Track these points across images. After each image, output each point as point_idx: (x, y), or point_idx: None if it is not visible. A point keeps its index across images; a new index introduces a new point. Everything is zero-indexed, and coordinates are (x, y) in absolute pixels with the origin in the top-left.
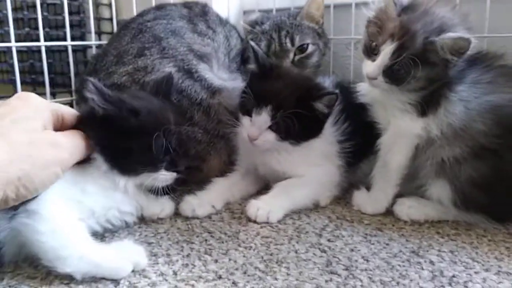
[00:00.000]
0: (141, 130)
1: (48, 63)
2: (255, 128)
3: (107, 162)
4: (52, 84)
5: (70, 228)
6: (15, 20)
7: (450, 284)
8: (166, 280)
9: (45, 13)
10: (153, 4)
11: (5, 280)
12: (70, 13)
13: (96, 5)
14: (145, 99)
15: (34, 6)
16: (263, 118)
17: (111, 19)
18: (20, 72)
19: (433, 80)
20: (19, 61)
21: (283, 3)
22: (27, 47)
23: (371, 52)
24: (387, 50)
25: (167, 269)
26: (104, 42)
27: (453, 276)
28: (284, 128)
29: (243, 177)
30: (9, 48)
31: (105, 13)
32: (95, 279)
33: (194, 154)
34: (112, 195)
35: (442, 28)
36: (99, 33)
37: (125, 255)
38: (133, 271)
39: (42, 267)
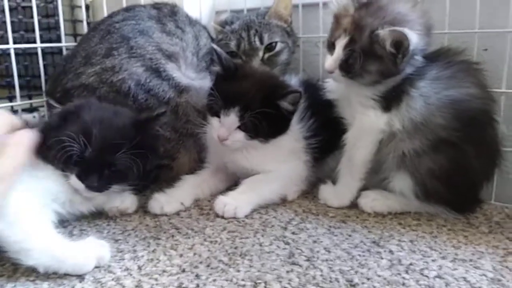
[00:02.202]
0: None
1: (24, 65)
2: (224, 129)
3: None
4: (28, 87)
5: (32, 220)
6: None
7: (406, 272)
8: (131, 275)
9: (20, 16)
10: (124, 5)
11: None
12: (46, 16)
13: (72, 7)
14: (93, 106)
15: (15, 8)
16: (231, 119)
17: (87, 22)
18: None
19: (385, 74)
20: None
21: (254, 3)
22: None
23: (330, 47)
24: (340, 44)
25: (132, 264)
26: (58, 44)
27: (410, 264)
28: (252, 128)
29: (212, 174)
30: None
31: (80, 16)
32: (60, 275)
33: (163, 152)
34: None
35: (392, 23)
36: (74, 35)
37: (88, 250)
38: (97, 266)
39: (9, 265)
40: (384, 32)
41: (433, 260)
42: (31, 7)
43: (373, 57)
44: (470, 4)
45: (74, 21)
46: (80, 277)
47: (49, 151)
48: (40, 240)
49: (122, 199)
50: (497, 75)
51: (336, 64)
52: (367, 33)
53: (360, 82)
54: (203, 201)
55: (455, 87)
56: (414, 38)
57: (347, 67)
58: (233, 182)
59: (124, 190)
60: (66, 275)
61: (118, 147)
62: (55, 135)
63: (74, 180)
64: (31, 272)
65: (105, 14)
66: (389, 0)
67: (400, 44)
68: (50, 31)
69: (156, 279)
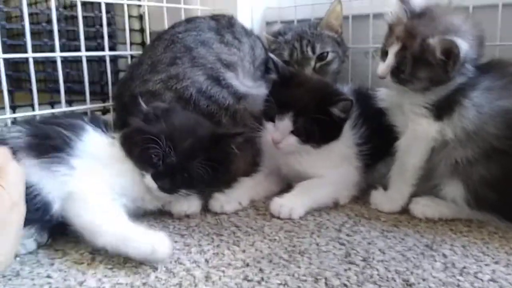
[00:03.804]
0: (150, 134)
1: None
2: (279, 133)
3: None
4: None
5: (104, 204)
6: (49, 31)
7: (461, 274)
8: (199, 267)
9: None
10: (183, 17)
11: (56, 265)
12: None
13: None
14: (178, 112)
15: (71, 18)
16: (285, 123)
17: (140, 30)
18: (39, 81)
19: (434, 81)
20: (40, 71)
21: (304, 15)
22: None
23: (383, 54)
24: (392, 51)
25: (200, 258)
26: (124, 52)
27: (464, 268)
28: (305, 132)
29: (266, 178)
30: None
31: (135, 25)
32: (136, 264)
33: (234, 170)
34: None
35: (443, 32)
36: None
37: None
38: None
39: (87, 254)
40: (434, 40)
41: (486, 265)
42: (87, 17)
43: (423, 64)
44: None
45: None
46: (154, 267)
47: (133, 147)
48: (111, 221)
49: (189, 204)
50: None
51: (388, 70)
52: (419, 41)
53: (410, 88)
54: (259, 202)
55: (508, 97)
56: (464, 46)
57: (398, 73)
58: (285, 185)
59: (191, 194)
60: (141, 264)
61: (195, 156)
62: (141, 134)
63: (149, 179)
64: (108, 261)
65: (165, 24)
66: (442, 11)
67: (450, 52)
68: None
69: (223, 271)
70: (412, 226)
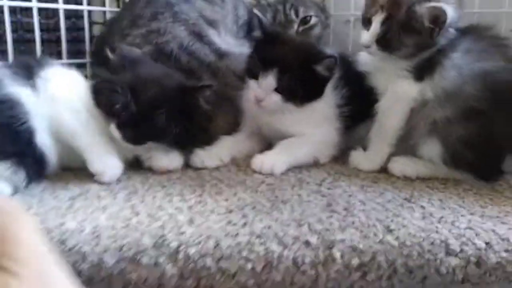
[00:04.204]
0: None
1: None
2: (262, 90)
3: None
4: None
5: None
6: None
7: (439, 222)
8: (182, 213)
9: None
10: None
11: (34, 209)
12: None
13: None
14: (146, 63)
15: None
16: (269, 80)
17: None
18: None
19: (421, 47)
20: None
21: None
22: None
23: (366, 23)
24: (377, 20)
25: (182, 205)
26: (102, 8)
27: (442, 217)
28: (289, 90)
29: (248, 137)
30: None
31: None
32: (117, 210)
33: (199, 120)
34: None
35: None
36: None
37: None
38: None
39: (66, 200)
40: (421, 8)
41: (462, 215)
42: None
43: (410, 31)
44: None
45: None
46: (135, 212)
47: (99, 97)
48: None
49: (170, 159)
50: None
51: (372, 39)
52: (405, 9)
53: (397, 55)
54: (239, 160)
55: (486, 59)
56: (450, 12)
57: (384, 42)
58: (266, 145)
59: (167, 149)
60: (122, 209)
61: (158, 107)
62: (105, 82)
63: (113, 129)
64: (88, 207)
65: None
66: None
67: (438, 18)
68: None
69: (206, 216)
70: (391, 183)
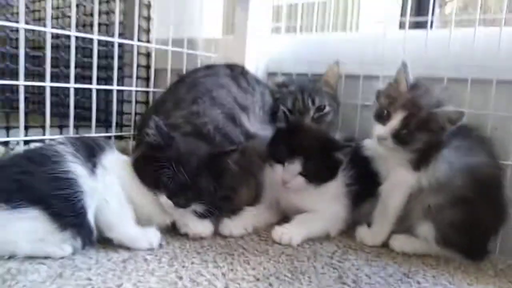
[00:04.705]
0: (163, 159)
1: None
2: (288, 174)
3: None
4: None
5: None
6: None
7: None
8: (218, 279)
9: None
10: (184, 59)
11: (93, 270)
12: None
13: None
14: (187, 143)
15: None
16: (295, 166)
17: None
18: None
19: (429, 143)
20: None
21: (301, 69)
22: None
23: (382, 118)
24: (398, 117)
25: (217, 271)
26: (130, 88)
27: None
28: (312, 174)
29: (267, 209)
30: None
31: (142, 61)
32: (163, 274)
33: (228, 186)
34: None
35: (439, 104)
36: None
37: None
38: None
39: (119, 262)
40: (441, 111)
41: None
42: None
43: (426, 130)
44: (487, 90)
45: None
46: (179, 276)
47: (145, 172)
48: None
49: (204, 227)
50: (504, 150)
51: (390, 133)
52: (425, 111)
53: (406, 149)
54: (260, 230)
55: (472, 155)
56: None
57: (399, 136)
58: (282, 217)
59: (201, 215)
60: (167, 274)
61: (200, 173)
62: (153, 160)
63: (164, 199)
64: (139, 269)
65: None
66: (427, 83)
67: (457, 120)
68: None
69: (239, 284)
70: (392, 258)
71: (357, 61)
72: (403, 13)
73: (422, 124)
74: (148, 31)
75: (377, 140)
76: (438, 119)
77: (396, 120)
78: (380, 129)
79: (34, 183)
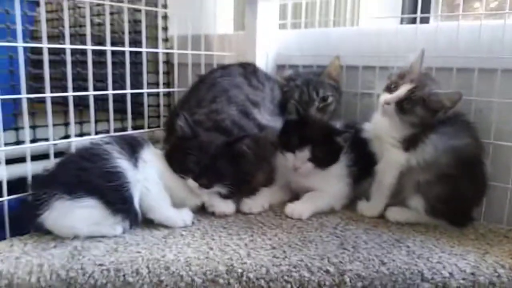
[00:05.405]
0: (189, 147)
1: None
2: (299, 161)
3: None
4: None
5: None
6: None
7: (418, 258)
8: (242, 248)
9: None
10: (203, 60)
11: (141, 245)
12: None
13: None
14: (208, 135)
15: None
16: (305, 153)
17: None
18: None
19: (424, 121)
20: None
21: (308, 62)
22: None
23: (390, 89)
24: (405, 88)
25: (240, 242)
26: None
27: (420, 254)
28: (319, 159)
29: (279, 189)
30: None
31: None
32: (198, 245)
33: (246, 170)
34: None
35: (437, 86)
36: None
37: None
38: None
39: (161, 238)
40: (443, 92)
41: (435, 253)
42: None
43: (425, 107)
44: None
45: None
46: (210, 247)
47: (175, 159)
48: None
49: (227, 206)
50: (487, 128)
51: (394, 100)
52: (428, 89)
53: (403, 119)
54: (274, 207)
55: (456, 138)
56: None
57: (401, 105)
58: (293, 196)
59: (225, 196)
60: (201, 245)
61: (219, 157)
62: (181, 149)
63: (191, 182)
64: (178, 242)
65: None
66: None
67: (456, 102)
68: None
69: (258, 251)
70: (387, 227)
71: (357, 54)
72: (403, 11)
73: (424, 101)
74: (166, 29)
75: (381, 107)
76: (439, 99)
77: (402, 90)
78: (387, 96)
79: (91, 177)
